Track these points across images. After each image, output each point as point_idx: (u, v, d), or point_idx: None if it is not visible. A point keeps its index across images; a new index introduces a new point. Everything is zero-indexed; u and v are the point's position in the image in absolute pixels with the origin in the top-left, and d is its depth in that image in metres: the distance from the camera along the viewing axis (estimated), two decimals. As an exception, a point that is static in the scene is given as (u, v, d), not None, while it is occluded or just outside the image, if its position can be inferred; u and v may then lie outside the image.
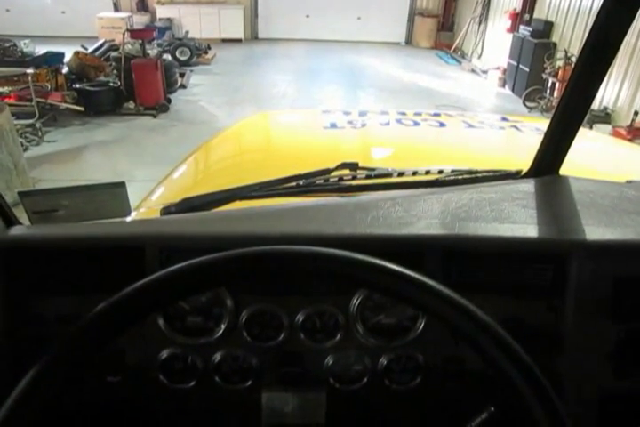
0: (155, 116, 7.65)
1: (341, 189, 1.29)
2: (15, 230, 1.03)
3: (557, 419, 0.63)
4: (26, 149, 5.98)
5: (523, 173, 1.39)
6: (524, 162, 1.39)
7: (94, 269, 0.99)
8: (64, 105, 7.35)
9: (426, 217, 1.08)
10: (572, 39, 8.45)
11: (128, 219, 1.20)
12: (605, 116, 7.27)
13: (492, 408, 0.88)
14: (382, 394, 1.05)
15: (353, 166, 1.37)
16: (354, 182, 1.32)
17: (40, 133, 6.62)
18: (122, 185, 1.13)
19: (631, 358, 1.02)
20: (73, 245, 1.00)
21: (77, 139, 6.76)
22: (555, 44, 8.90)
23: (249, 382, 1.03)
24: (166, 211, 1.25)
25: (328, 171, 1.35)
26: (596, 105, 7.33)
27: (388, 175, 1.35)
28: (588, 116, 6.75)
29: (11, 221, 1.08)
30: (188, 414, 1.06)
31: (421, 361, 1.03)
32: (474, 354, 1.01)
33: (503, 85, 10.25)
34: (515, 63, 9.64)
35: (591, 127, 6.79)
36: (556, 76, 8.23)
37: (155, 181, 1.97)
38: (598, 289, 1.00)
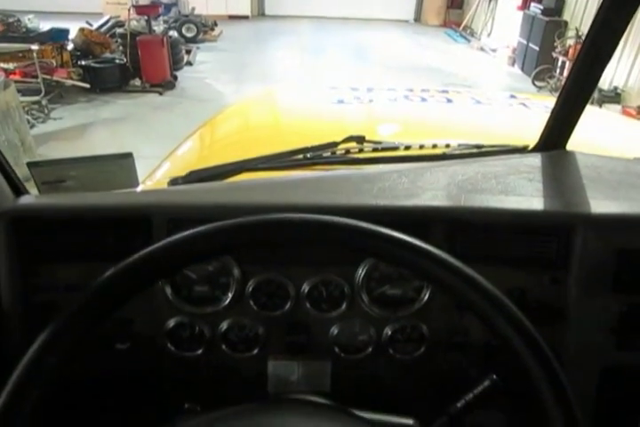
0: (161, 94, 7.62)
1: (348, 161, 1.29)
2: (24, 200, 1.04)
3: (559, 386, 0.63)
4: (32, 126, 5.98)
5: (530, 148, 1.39)
6: (532, 138, 1.38)
7: (102, 238, 1.00)
8: (70, 82, 7.32)
9: (432, 189, 1.08)
10: (583, 17, 8.32)
11: (136, 190, 1.21)
12: (615, 96, 7.20)
13: (495, 377, 0.90)
14: (386, 364, 1.07)
15: (359, 139, 1.37)
16: (360, 155, 1.32)
17: (46, 110, 6.60)
18: (129, 156, 1.13)
19: (633, 330, 1.03)
20: (81, 215, 1.01)
21: (83, 116, 6.74)
22: (566, 23, 8.76)
23: (255, 351, 1.05)
24: (173, 183, 1.25)
25: (335, 144, 1.35)
26: (605, 85, 7.25)
27: (395, 148, 1.35)
28: (597, 95, 6.72)
29: (19, 191, 1.09)
30: (194, 381, 1.07)
31: (425, 332, 1.04)
32: (477, 325, 1.03)
33: (512, 64, 10.13)
34: (525, 42, 9.51)
35: (600, 107, 6.73)
36: (566, 55, 8.12)
37: (161, 157, 1.98)
38: (602, 262, 1.00)
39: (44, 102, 6.63)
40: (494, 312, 0.66)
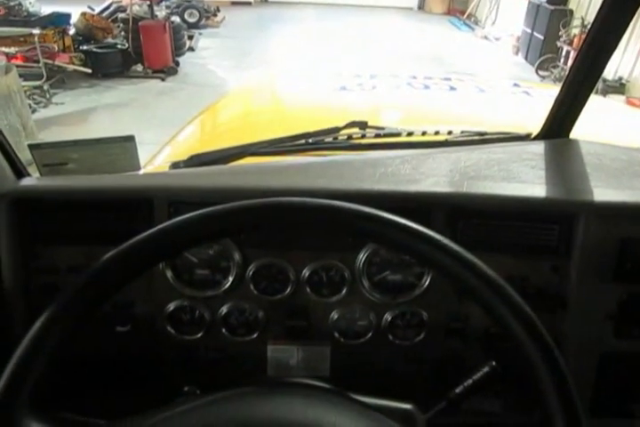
0: (163, 80, 7.59)
1: (350, 147, 1.29)
2: (26, 181, 1.04)
3: (558, 373, 0.64)
4: (34, 111, 5.96)
5: (533, 135, 1.39)
6: (535, 127, 1.38)
7: (104, 220, 1.00)
8: (71, 67, 7.29)
9: (434, 175, 1.08)
10: (589, 6, 8.25)
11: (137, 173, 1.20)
12: (620, 87, 7.16)
13: (494, 363, 0.90)
14: (386, 349, 1.07)
15: (362, 125, 1.37)
16: (363, 141, 1.31)
17: (48, 95, 6.59)
18: (131, 139, 1.13)
19: (632, 319, 1.03)
20: (82, 197, 1.01)
21: (85, 101, 6.72)
22: (571, 12, 8.70)
23: (255, 335, 1.05)
24: (175, 166, 1.25)
25: (337, 129, 1.34)
26: (610, 75, 7.21)
27: (397, 135, 1.34)
28: (601, 85, 6.68)
29: (21, 173, 1.09)
30: (194, 364, 1.08)
31: (425, 318, 1.05)
32: (477, 312, 1.03)
33: (516, 53, 10.07)
34: (529, 30, 9.44)
35: (604, 97, 6.69)
36: (571, 44, 8.07)
37: (163, 144, 1.97)
38: (603, 250, 1.00)
39: (45, 87, 6.61)
40: (495, 299, 0.66)
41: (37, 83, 6.55)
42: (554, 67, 8.28)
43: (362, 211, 0.68)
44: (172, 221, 0.68)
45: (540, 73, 8.41)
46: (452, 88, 2.33)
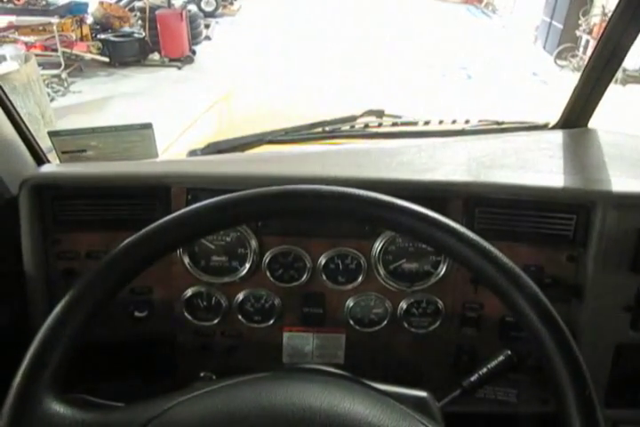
0: (179, 68, 7.61)
1: (367, 135, 1.29)
2: (46, 168, 1.05)
3: (574, 363, 0.63)
4: (52, 100, 6.02)
5: (551, 125, 1.37)
6: (552, 116, 1.37)
7: (122, 206, 1.01)
8: (89, 55, 7.33)
9: (451, 163, 1.08)
10: (610, -6, 8.12)
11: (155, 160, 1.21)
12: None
13: (509, 352, 0.90)
14: (401, 337, 1.07)
15: (379, 114, 1.36)
16: (379, 130, 1.31)
17: (66, 84, 6.64)
18: (149, 126, 1.14)
19: None
20: (101, 183, 1.02)
21: (102, 90, 6.77)
22: (592, 0, 8.56)
23: (271, 322, 1.06)
24: (192, 154, 1.26)
25: (354, 118, 1.34)
26: (630, 65, 7.09)
27: (414, 123, 1.34)
28: (620, 75, 6.59)
29: (41, 159, 1.11)
30: (210, 350, 1.09)
31: (441, 306, 1.05)
32: (492, 301, 1.03)
33: (535, 42, 9.94)
34: (548, 19, 9.31)
35: (624, 87, 6.60)
36: (590, 33, 7.96)
37: (179, 132, 1.98)
38: (621, 241, 0.99)
39: (63, 76, 6.66)
40: (511, 288, 0.66)
41: (56, 71, 6.60)
42: (572, 56, 8.18)
43: (378, 198, 0.68)
44: (190, 208, 0.69)
45: (559, 62, 8.30)
46: (469, 77, 2.31)
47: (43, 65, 6.01)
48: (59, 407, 0.63)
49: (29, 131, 1.10)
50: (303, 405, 0.65)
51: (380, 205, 0.69)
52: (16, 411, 0.61)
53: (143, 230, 0.68)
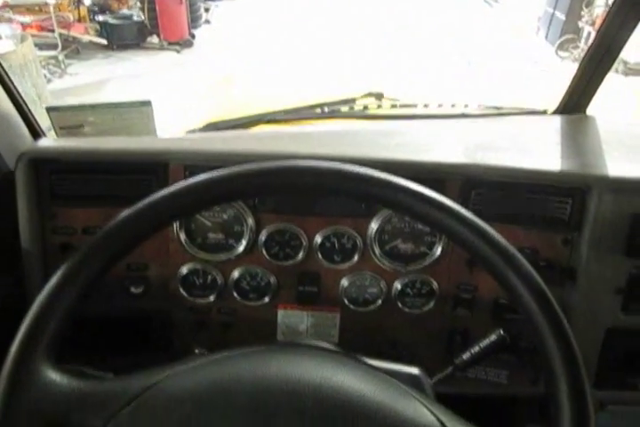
0: (178, 52, 7.56)
1: (366, 116, 1.29)
2: (43, 142, 1.05)
3: (566, 344, 0.64)
4: (49, 81, 5.97)
5: (550, 111, 1.38)
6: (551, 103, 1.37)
7: (120, 182, 1.01)
8: (87, 37, 7.27)
9: (448, 145, 1.08)
10: (613, -15, 8.06)
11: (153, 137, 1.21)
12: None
13: (501, 332, 0.91)
14: (394, 317, 1.08)
15: (378, 96, 1.36)
16: (379, 111, 1.31)
17: (63, 66, 6.59)
18: (148, 104, 1.14)
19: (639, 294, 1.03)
20: (99, 158, 1.02)
21: (100, 72, 6.72)
22: (595, -9, 8.52)
23: (266, 299, 1.07)
24: (191, 133, 1.26)
25: (353, 99, 1.34)
26: (632, 58, 7.08)
27: (413, 106, 1.34)
28: (621, 68, 6.56)
29: (38, 135, 1.10)
30: (205, 327, 1.10)
31: (435, 287, 1.06)
32: (487, 282, 1.04)
33: (537, 33, 9.90)
34: (550, 10, 9.26)
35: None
36: (593, 24, 7.91)
37: (178, 119, 1.98)
38: (615, 225, 1.00)
39: (60, 57, 6.60)
40: (506, 267, 0.67)
41: (52, 53, 6.54)
42: (574, 47, 8.14)
43: (376, 176, 0.69)
44: (186, 182, 0.69)
45: (560, 53, 8.27)
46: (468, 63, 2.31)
47: (39, 46, 5.95)
48: (55, 376, 0.64)
49: (27, 106, 1.10)
50: (296, 377, 0.66)
51: (378, 182, 0.69)
52: (13, 378, 0.62)
53: (139, 204, 0.68)
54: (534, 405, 1.23)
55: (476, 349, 0.89)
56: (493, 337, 0.90)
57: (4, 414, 0.61)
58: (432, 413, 0.65)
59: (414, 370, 0.78)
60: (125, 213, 0.68)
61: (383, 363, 0.76)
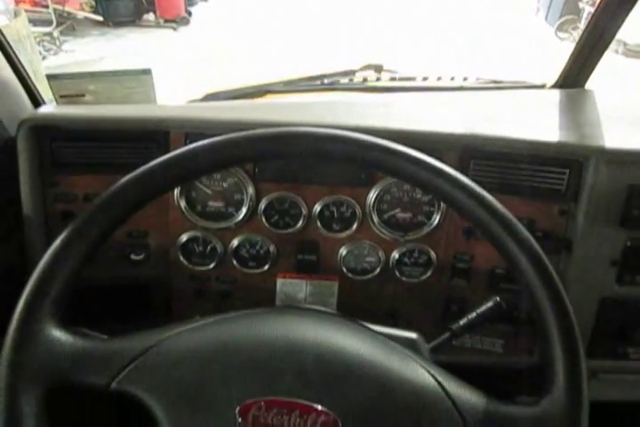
0: (175, 29, 7.49)
1: (365, 88, 1.29)
2: (44, 109, 1.05)
3: (562, 311, 0.65)
4: (44, 58, 5.93)
5: (549, 85, 1.38)
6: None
7: (121, 150, 1.02)
8: (82, 14, 7.18)
9: (447, 117, 1.09)
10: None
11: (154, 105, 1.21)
12: None
13: (498, 298, 0.92)
14: (392, 286, 1.10)
15: (377, 68, 1.37)
16: (378, 84, 1.32)
17: (58, 42, 6.52)
18: (149, 72, 1.14)
19: (635, 265, 1.05)
20: (100, 125, 1.02)
21: (95, 49, 6.66)
22: (596, -30, 8.41)
23: (265, 268, 1.08)
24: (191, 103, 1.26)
25: (352, 71, 1.35)
26: (632, 39, 7.04)
27: (412, 79, 1.34)
28: (621, 49, 6.54)
29: (39, 102, 1.10)
30: (205, 295, 1.11)
31: (432, 257, 1.07)
32: (484, 252, 1.05)
33: (536, 13, 9.82)
34: (550, -11, 9.18)
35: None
36: (593, 5, 7.83)
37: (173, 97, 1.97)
38: (612, 196, 1.01)
39: (55, 34, 6.53)
40: (504, 233, 0.68)
41: (47, 29, 6.47)
42: (574, 28, 8.09)
43: (376, 142, 0.70)
44: (187, 147, 0.70)
45: (560, 34, 8.22)
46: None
47: (33, 22, 5.86)
48: (60, 335, 0.65)
49: (27, 72, 1.10)
50: (296, 337, 0.67)
51: (377, 148, 0.70)
52: (19, 336, 0.63)
53: (141, 168, 0.69)
54: (526, 378, 1.25)
55: (472, 315, 0.90)
56: (490, 303, 0.91)
57: (11, 371, 0.62)
58: (430, 373, 0.67)
59: (412, 334, 0.79)
60: (127, 177, 0.69)
61: (381, 327, 0.78)
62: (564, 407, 0.63)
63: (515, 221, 0.68)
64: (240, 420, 0.61)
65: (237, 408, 0.61)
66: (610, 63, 1.30)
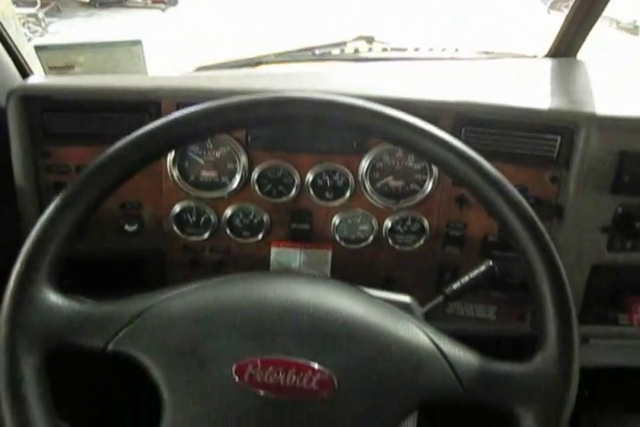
0: (163, 10, 7.41)
1: (356, 59, 1.29)
2: (33, 79, 1.04)
3: (556, 273, 0.66)
4: (29, 40, 5.81)
5: (540, 56, 1.38)
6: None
7: (113, 120, 1.01)
8: (67, -6, 7.09)
9: (439, 85, 1.08)
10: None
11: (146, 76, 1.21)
12: (633, 29, 7.04)
13: (490, 262, 0.94)
14: (385, 254, 1.10)
15: (369, 39, 1.36)
16: (369, 55, 1.31)
17: (43, 24, 6.43)
18: (139, 43, 1.13)
19: (624, 232, 1.06)
20: (91, 95, 1.01)
21: (82, 31, 6.58)
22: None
23: (259, 237, 1.08)
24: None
25: (344, 42, 1.34)
26: (624, 18, 7.04)
27: (404, 50, 1.34)
28: (615, 26, 6.54)
29: (27, 74, 1.09)
30: (199, 265, 1.11)
31: (425, 225, 1.07)
32: (476, 220, 1.06)
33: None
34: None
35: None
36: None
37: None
38: (603, 163, 1.01)
39: (40, 15, 6.43)
40: (497, 196, 0.69)
41: (32, 10, 6.37)
42: (567, 6, 8.02)
43: (368, 106, 0.70)
44: (179, 112, 0.70)
45: (552, 12, 8.17)
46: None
47: (16, 3, 5.77)
48: (56, 298, 0.65)
49: (14, 43, 1.09)
50: (293, 298, 0.68)
51: (369, 113, 0.70)
52: (16, 300, 0.64)
53: (135, 133, 0.69)
54: (519, 344, 1.27)
55: (465, 279, 0.92)
56: (482, 267, 0.92)
57: (10, 334, 0.63)
58: (424, 333, 0.68)
59: (406, 298, 0.80)
60: (123, 140, 0.69)
61: (376, 291, 0.78)
62: (557, 363, 0.64)
63: (506, 182, 0.69)
64: (236, 378, 0.62)
65: (234, 367, 0.62)
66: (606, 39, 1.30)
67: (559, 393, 0.64)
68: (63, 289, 0.67)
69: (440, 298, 0.91)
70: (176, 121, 0.71)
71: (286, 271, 0.88)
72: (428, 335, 0.68)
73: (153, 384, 0.64)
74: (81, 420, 0.88)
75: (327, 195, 1.06)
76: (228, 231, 1.08)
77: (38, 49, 1.10)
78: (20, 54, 1.09)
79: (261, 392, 0.62)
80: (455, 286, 0.91)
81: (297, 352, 0.63)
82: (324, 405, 0.63)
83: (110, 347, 0.64)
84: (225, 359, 0.63)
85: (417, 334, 0.68)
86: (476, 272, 0.92)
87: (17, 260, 0.64)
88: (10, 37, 1.08)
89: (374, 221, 1.08)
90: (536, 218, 0.68)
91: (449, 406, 0.67)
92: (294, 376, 0.62)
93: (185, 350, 0.64)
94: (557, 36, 1.33)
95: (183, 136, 0.71)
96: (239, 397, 0.62)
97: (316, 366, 0.63)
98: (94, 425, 1.04)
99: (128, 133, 0.70)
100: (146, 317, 0.66)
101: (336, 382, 0.63)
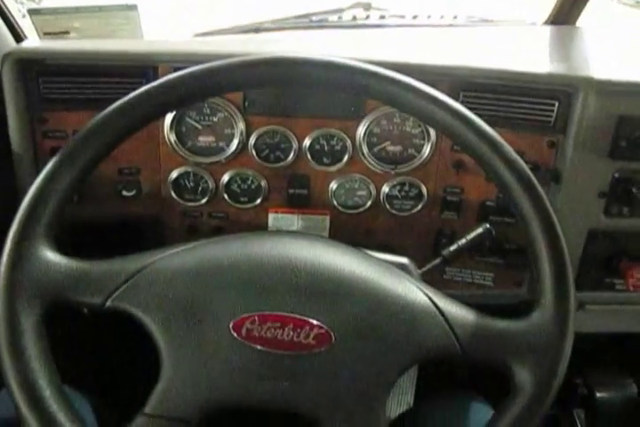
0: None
1: (354, 26, 1.28)
2: (28, 43, 1.03)
3: (553, 233, 0.67)
4: (23, 17, 5.75)
5: (540, 23, 1.37)
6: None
7: (109, 85, 1.00)
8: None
9: (437, 50, 1.08)
10: None
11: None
12: (635, 5, 6.96)
13: (487, 225, 0.94)
14: (383, 220, 1.11)
15: (366, 6, 1.35)
16: (367, 21, 1.30)
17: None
18: (135, 8, 1.11)
19: (621, 197, 1.06)
20: (87, 60, 1.00)
21: (77, 3, 6.46)
22: None
23: (257, 202, 1.08)
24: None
25: (341, 9, 1.33)
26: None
27: (402, 17, 1.33)
28: (615, 2, 6.46)
29: (20, 37, 1.08)
30: (197, 231, 1.11)
31: (423, 190, 1.08)
32: (474, 185, 1.06)
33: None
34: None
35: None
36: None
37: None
38: (600, 127, 1.01)
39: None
40: (493, 155, 0.69)
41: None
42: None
43: (364, 67, 0.70)
44: (175, 74, 0.70)
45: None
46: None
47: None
48: (54, 256, 0.66)
49: (7, 7, 1.08)
50: (290, 254, 0.69)
51: (368, 74, 0.70)
52: (13, 257, 0.64)
53: (131, 94, 0.69)
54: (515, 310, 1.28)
55: (462, 241, 0.92)
56: (480, 229, 0.93)
57: (9, 290, 0.63)
58: (421, 290, 0.69)
59: (403, 259, 0.81)
60: (116, 103, 0.69)
61: (373, 252, 0.79)
62: (553, 320, 0.65)
63: (503, 142, 0.70)
64: (234, 334, 0.63)
65: (231, 322, 0.63)
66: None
67: (555, 349, 0.65)
68: (62, 252, 0.67)
69: (438, 260, 0.92)
70: (168, 83, 0.70)
71: (284, 231, 0.89)
72: (424, 292, 0.68)
73: (151, 342, 0.64)
74: (78, 378, 0.88)
75: (325, 160, 1.06)
76: (226, 197, 1.08)
77: (32, 12, 1.08)
78: (14, 18, 1.08)
79: (259, 347, 0.63)
80: (452, 248, 0.92)
81: (294, 308, 0.64)
82: (322, 359, 0.64)
83: (108, 303, 0.65)
84: (222, 315, 0.64)
85: (414, 290, 0.68)
86: (473, 234, 0.93)
87: (13, 220, 0.65)
88: (2, 2, 1.07)
89: (372, 187, 1.08)
90: (534, 180, 0.68)
91: (446, 366, 0.68)
92: (292, 332, 0.63)
93: (183, 307, 0.64)
94: (556, 3, 1.32)
95: (175, 99, 0.71)
96: (237, 352, 0.63)
97: (313, 321, 0.64)
98: (92, 384, 1.05)
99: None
100: (144, 274, 0.66)
101: (333, 337, 0.63)
